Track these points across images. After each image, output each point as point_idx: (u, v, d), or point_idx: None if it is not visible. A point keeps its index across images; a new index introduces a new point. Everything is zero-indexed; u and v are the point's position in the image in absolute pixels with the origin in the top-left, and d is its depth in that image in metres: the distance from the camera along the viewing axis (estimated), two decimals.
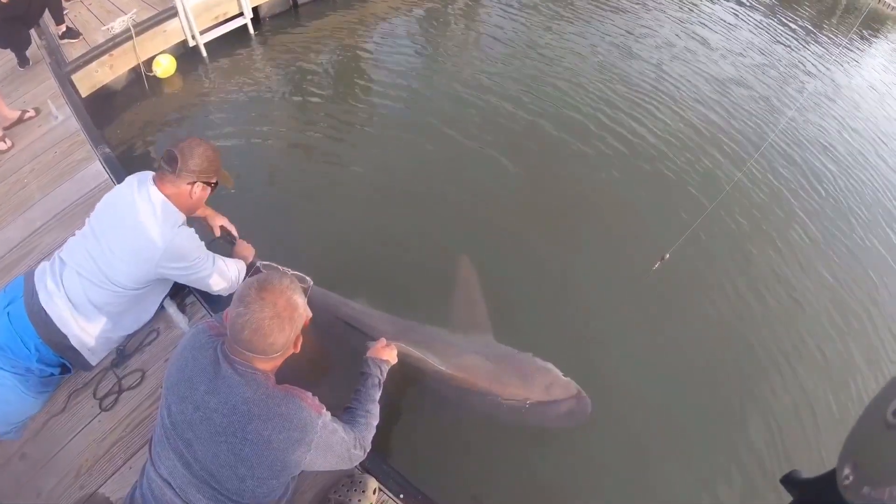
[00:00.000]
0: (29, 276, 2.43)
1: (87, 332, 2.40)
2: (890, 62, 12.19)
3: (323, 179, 4.95)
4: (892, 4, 16.74)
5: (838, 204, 6.16)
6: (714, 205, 4.09)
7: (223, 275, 2.56)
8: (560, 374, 3.08)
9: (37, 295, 2.33)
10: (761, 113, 7.53)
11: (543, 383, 3.02)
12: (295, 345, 1.78)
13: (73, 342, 2.37)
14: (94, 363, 2.52)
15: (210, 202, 2.72)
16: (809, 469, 1.33)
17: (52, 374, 2.41)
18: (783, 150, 6.75)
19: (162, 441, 1.69)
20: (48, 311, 2.30)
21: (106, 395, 2.46)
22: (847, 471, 1.01)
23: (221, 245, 2.99)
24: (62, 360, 2.41)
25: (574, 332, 3.79)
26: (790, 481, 1.31)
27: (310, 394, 1.78)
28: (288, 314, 1.67)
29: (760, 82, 8.61)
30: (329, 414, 1.78)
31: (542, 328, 3.76)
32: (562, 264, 4.30)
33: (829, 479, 1.08)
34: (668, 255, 3.27)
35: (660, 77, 7.71)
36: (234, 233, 3.04)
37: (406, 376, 2.89)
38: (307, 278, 2.16)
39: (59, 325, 2.31)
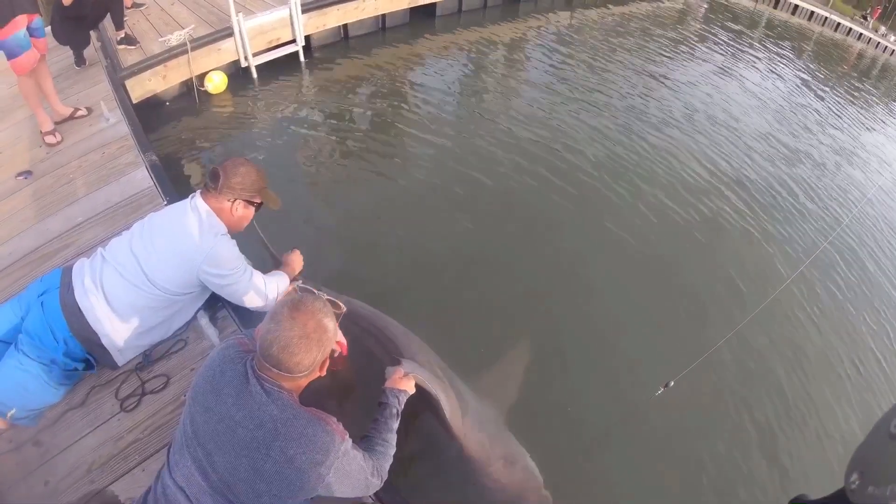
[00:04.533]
0: (67, 270, 2.49)
1: (119, 332, 2.44)
2: None
3: (362, 205, 5.02)
4: None
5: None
6: (730, 335, 3.74)
7: (258, 291, 2.60)
8: (541, 483, 2.96)
9: (73, 289, 2.38)
10: (803, 229, 6.67)
11: (521, 483, 2.91)
12: (321, 368, 1.81)
13: (104, 341, 2.41)
14: (120, 364, 2.55)
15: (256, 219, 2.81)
16: None
17: (76, 369, 2.45)
18: (821, 274, 5.90)
19: (182, 448, 1.72)
20: (82, 307, 2.35)
21: (128, 397, 2.48)
22: (854, 477, 1.07)
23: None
24: (88, 355, 2.44)
25: (569, 446, 3.59)
26: None
27: (334, 419, 1.80)
28: (317, 336, 1.72)
29: (805, 192, 7.65)
30: (351, 441, 1.81)
31: (542, 433, 3.55)
32: (566, 379, 3.99)
33: (836, 497, 1.13)
34: (672, 383, 3.09)
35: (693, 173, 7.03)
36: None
37: (421, 408, 2.85)
38: (341, 304, 2.20)
39: (91, 322, 2.36)
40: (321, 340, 1.74)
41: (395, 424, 2.24)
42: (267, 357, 1.69)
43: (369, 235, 4.64)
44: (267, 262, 3.25)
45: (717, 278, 5.30)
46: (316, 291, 1.95)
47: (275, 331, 1.69)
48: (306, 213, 4.77)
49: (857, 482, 1.06)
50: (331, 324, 1.80)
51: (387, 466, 2.07)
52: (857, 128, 11.52)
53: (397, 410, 2.30)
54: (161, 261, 2.41)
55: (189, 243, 2.41)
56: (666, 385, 3.09)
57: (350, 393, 2.95)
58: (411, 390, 2.46)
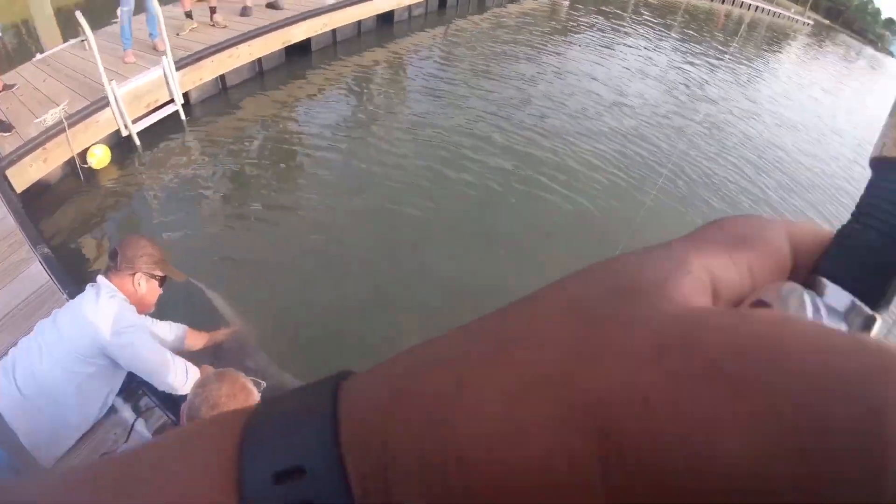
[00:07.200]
0: None
1: (35, 423, 2.41)
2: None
3: (262, 258, 5.12)
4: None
5: None
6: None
7: (160, 355, 2.57)
8: None
9: None
10: (652, 150, 8.30)
11: None
12: None
13: (23, 439, 2.36)
14: (44, 465, 2.60)
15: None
16: None
17: None
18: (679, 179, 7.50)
19: None
20: None
21: None
22: None
23: None
24: (12, 462, 2.39)
25: None
26: None
27: None
28: (244, 396, 1.84)
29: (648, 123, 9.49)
30: None
31: None
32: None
33: None
34: None
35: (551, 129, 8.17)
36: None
37: None
38: (261, 381, 2.32)
39: (8, 420, 2.34)
40: (248, 401, 1.84)
41: None
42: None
43: (278, 286, 4.78)
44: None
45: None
46: (235, 372, 2.12)
47: (201, 393, 1.81)
48: (210, 273, 4.77)
49: None
50: (255, 390, 1.93)
51: None
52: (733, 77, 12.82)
53: None
54: (62, 333, 2.46)
55: (88, 308, 2.47)
56: None
57: None
58: None
